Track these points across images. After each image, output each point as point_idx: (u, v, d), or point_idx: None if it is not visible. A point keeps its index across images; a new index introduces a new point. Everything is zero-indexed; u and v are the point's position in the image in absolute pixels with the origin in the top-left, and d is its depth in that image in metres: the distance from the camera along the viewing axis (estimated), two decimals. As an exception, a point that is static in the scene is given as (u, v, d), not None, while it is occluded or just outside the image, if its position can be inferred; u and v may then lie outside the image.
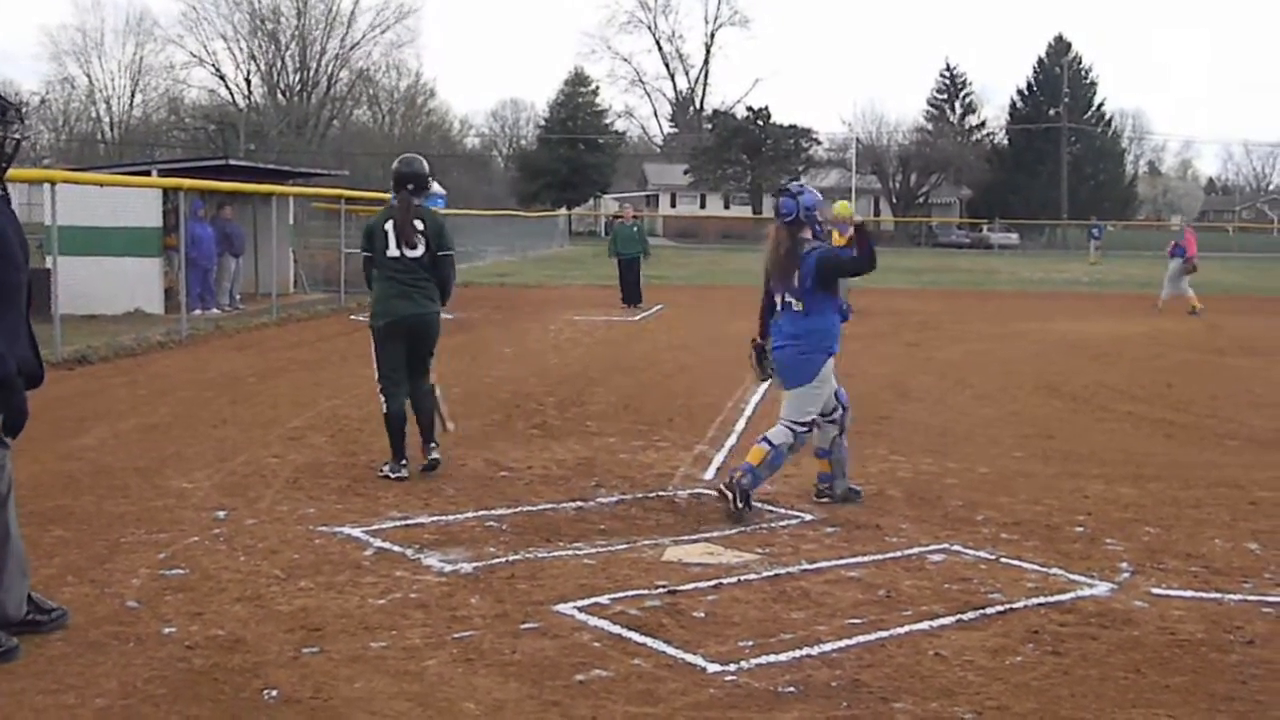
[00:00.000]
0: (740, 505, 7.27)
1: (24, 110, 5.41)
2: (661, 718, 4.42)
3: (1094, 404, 12.57)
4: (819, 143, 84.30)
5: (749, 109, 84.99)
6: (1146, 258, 53.98)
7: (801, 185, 7.81)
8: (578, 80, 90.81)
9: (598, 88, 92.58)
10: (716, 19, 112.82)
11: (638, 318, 22.59)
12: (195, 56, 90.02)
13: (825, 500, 7.76)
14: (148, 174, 21.29)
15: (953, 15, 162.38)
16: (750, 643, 5.19)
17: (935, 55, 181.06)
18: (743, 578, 6.14)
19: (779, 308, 7.81)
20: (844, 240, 23.60)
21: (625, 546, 6.71)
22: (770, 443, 7.48)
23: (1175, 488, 8.47)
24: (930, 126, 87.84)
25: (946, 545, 6.84)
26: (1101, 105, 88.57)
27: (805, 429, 7.57)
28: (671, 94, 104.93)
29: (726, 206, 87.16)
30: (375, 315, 8.51)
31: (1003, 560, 6.56)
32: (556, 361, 15.45)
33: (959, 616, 5.59)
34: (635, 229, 24.85)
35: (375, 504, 7.54)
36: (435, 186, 43.83)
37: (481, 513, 7.42)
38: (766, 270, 7.88)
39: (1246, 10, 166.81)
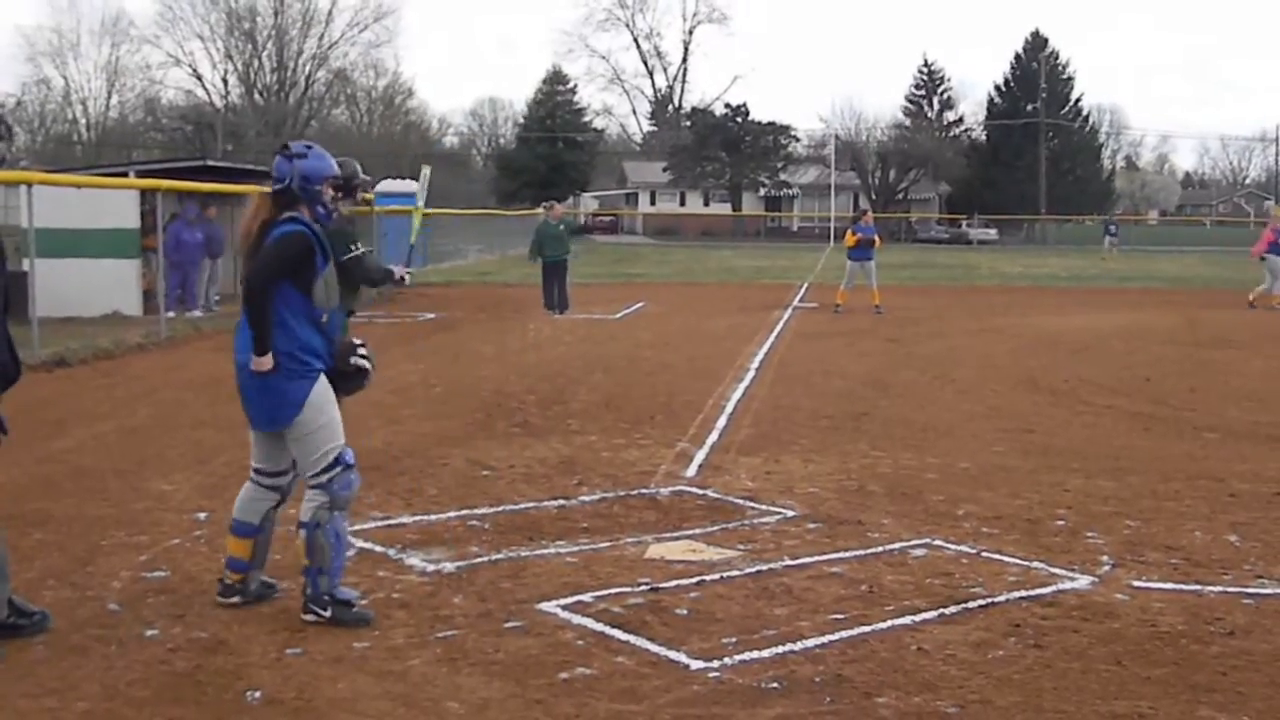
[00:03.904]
0: (334, 613, 5.41)
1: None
2: (645, 715, 4.42)
3: (1074, 398, 12.62)
4: (797, 139, 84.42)
5: (727, 106, 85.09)
6: (1136, 252, 54.29)
7: (309, 147, 5.68)
8: (556, 79, 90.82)
9: (576, 86, 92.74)
10: (695, 15, 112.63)
11: (618, 315, 22.57)
12: (172, 57, 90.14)
13: (235, 601, 5.60)
14: (125, 175, 21.21)
15: (930, 12, 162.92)
16: (733, 639, 5.19)
17: (913, 51, 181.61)
18: (725, 574, 6.15)
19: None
20: (853, 240, 23.56)
21: (608, 544, 6.71)
22: (303, 525, 5.47)
23: (1155, 481, 8.51)
24: (909, 123, 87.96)
25: (928, 540, 6.86)
26: (1079, 101, 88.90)
27: (333, 472, 5.46)
28: (650, 92, 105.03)
29: (706, 204, 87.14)
30: None
31: (984, 554, 6.59)
32: (537, 360, 15.43)
33: (941, 611, 5.61)
34: (561, 227, 23.08)
35: (357, 504, 7.48)
36: (413, 186, 43.56)
37: (464, 512, 7.41)
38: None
39: (1223, 6, 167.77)
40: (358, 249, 8.55)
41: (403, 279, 8.35)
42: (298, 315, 5.44)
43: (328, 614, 5.38)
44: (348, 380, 5.73)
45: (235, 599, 5.59)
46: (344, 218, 8.83)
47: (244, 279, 5.48)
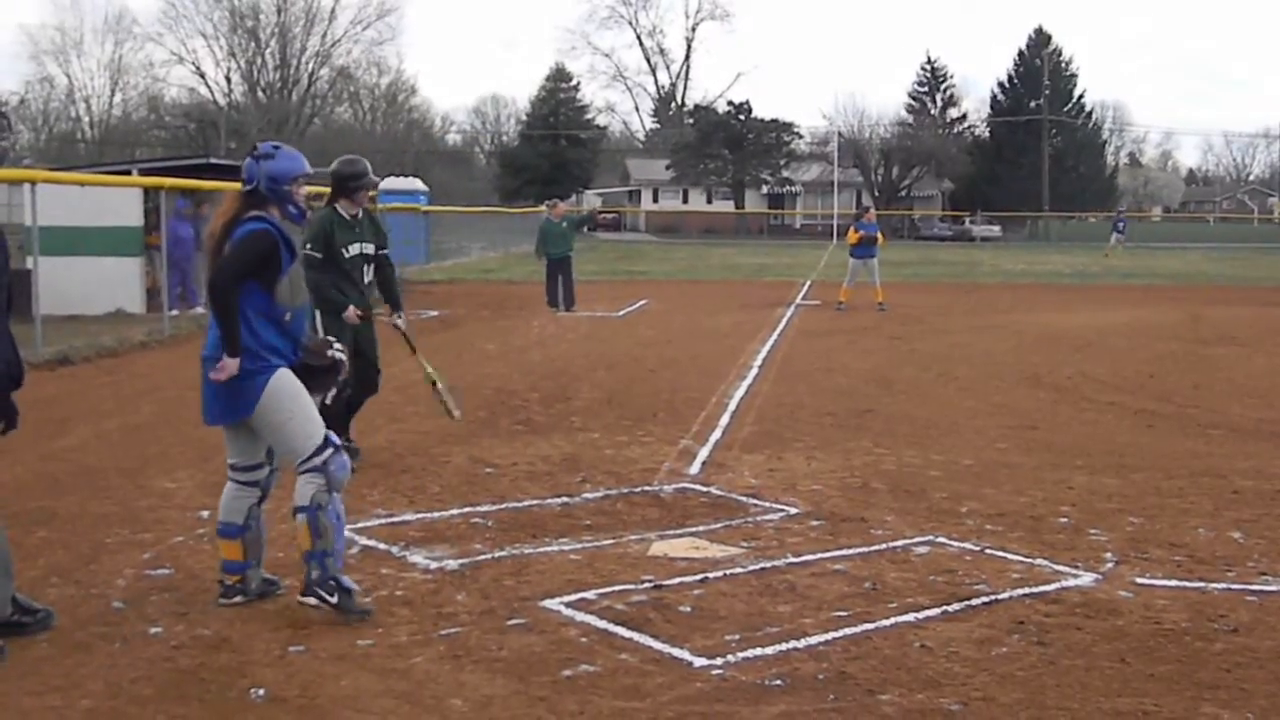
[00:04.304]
0: (340, 600, 5.40)
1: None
2: (648, 712, 4.42)
3: (1077, 395, 12.61)
4: (800, 136, 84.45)
5: (730, 103, 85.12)
6: (1140, 248, 54.20)
7: (276, 148, 5.65)
8: (559, 76, 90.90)
9: (579, 84, 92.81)
10: (697, 12, 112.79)
11: (621, 313, 22.56)
12: (175, 54, 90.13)
13: (237, 601, 5.60)
14: (128, 173, 21.21)
15: (933, 8, 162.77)
16: (736, 636, 5.19)
17: (916, 48, 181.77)
18: (728, 572, 6.15)
19: None
20: (856, 238, 23.53)
21: (611, 542, 6.71)
22: (303, 510, 5.42)
23: (1158, 478, 8.50)
24: (912, 119, 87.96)
25: (931, 537, 6.86)
26: (1082, 97, 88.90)
27: (326, 453, 5.45)
28: (653, 89, 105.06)
29: (709, 201, 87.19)
30: None
31: (988, 551, 6.58)
32: (540, 357, 15.44)
33: (944, 608, 5.60)
34: (565, 224, 23.12)
35: (360, 501, 7.52)
36: (416, 183, 43.03)
37: (467, 509, 7.41)
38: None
39: (1226, 2, 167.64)
40: (310, 249, 8.29)
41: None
42: (260, 314, 5.41)
43: (334, 599, 5.36)
44: (323, 376, 5.74)
45: (237, 599, 5.59)
46: (321, 214, 8.59)
47: (209, 279, 5.46)
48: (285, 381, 5.44)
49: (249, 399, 5.38)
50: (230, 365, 5.32)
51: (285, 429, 5.43)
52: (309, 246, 8.30)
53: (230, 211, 5.55)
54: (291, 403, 5.43)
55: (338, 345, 5.88)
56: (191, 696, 4.55)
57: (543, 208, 26.60)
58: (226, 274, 5.38)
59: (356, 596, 5.46)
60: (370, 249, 8.63)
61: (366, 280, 8.73)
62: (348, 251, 8.48)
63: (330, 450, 5.44)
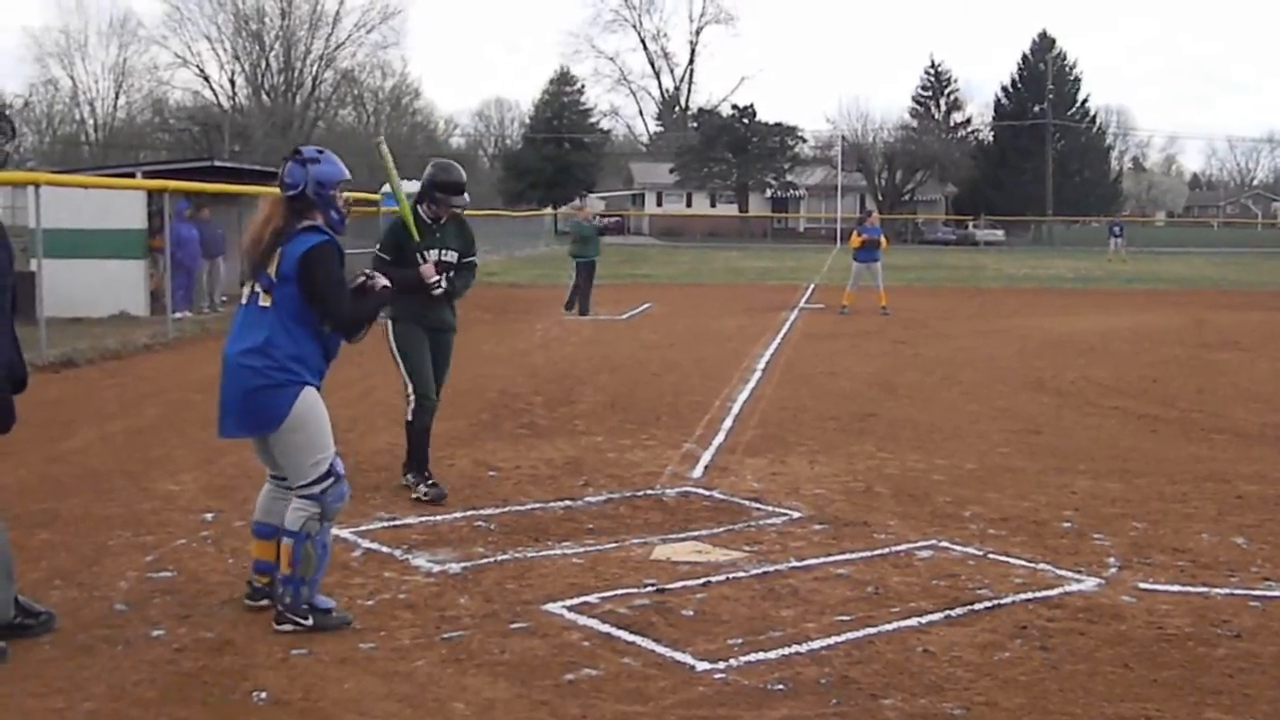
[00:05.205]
0: (315, 619, 5.30)
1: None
2: (651, 716, 4.42)
3: (1080, 399, 12.60)
4: (804, 140, 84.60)
5: (734, 107, 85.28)
6: (1143, 253, 54.17)
7: (320, 152, 5.53)
8: (563, 80, 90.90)
9: (583, 87, 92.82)
10: (702, 16, 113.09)
11: (624, 316, 22.56)
12: (179, 57, 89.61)
13: (264, 604, 5.49)
14: (132, 176, 21.22)
15: (937, 12, 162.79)
16: (739, 641, 5.19)
17: (920, 52, 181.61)
18: (731, 576, 6.14)
19: (243, 302, 5.54)
20: (859, 242, 23.55)
21: (614, 545, 6.71)
22: (290, 534, 5.29)
23: (1162, 482, 8.50)
24: (915, 123, 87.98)
25: (934, 541, 6.85)
26: (1086, 102, 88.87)
27: (326, 483, 5.33)
28: (657, 93, 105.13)
29: (713, 205, 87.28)
30: None
31: (991, 556, 6.58)
32: (544, 361, 15.45)
33: (947, 613, 5.60)
34: (591, 227, 23.10)
35: (363, 505, 7.51)
36: (410, 185, 43.18)
37: (469, 513, 7.41)
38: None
39: (1230, 6, 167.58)
40: (380, 250, 7.83)
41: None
42: (300, 322, 5.30)
43: (309, 622, 5.27)
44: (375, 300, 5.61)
45: (263, 602, 5.49)
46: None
47: (329, 325, 5.34)
48: (311, 400, 5.33)
49: (277, 413, 5.25)
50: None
51: (298, 450, 5.30)
52: (379, 248, 7.93)
53: (277, 218, 5.38)
54: (313, 424, 5.32)
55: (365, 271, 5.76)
56: (194, 699, 4.55)
57: (569, 210, 26.68)
58: (340, 306, 5.32)
59: (334, 612, 5.38)
60: (452, 256, 8.04)
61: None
62: (423, 259, 7.80)
63: (330, 481, 5.33)
